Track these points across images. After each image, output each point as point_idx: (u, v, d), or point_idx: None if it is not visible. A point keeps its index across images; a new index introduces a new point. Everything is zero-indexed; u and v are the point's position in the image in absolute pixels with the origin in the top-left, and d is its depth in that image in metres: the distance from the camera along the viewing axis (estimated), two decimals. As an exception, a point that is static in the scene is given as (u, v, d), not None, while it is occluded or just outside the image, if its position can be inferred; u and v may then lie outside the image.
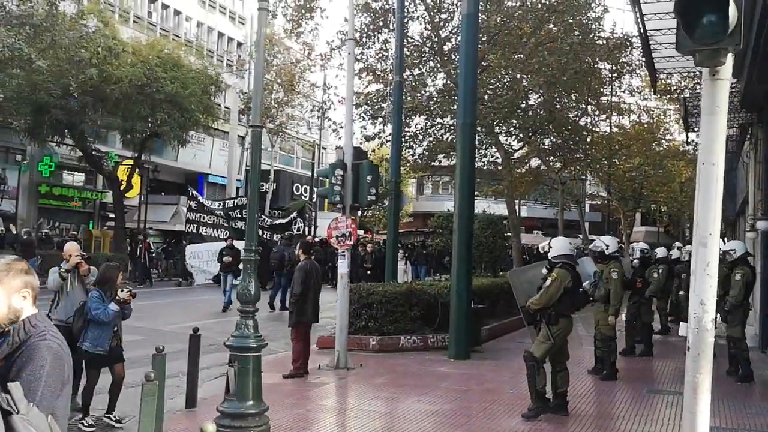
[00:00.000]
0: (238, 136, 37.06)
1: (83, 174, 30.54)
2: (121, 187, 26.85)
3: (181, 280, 25.48)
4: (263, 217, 25.13)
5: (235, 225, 24.06)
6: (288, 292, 17.00)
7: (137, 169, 27.50)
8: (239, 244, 18.36)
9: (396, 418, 7.40)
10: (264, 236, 22.16)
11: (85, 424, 6.64)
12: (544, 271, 7.56)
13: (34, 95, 21.37)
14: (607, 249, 9.72)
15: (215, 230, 23.59)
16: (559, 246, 7.56)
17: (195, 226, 23.71)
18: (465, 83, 11.40)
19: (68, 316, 7.11)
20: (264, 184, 37.70)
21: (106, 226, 30.52)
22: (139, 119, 24.63)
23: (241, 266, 17.25)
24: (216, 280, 19.69)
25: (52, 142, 26.10)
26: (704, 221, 3.59)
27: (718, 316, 9.32)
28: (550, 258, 7.55)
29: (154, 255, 25.28)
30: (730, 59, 3.57)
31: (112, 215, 28.98)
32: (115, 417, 6.92)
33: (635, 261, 11.61)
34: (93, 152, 26.10)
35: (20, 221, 27.16)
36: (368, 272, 18.05)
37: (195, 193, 24.74)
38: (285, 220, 25.10)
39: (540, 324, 7.23)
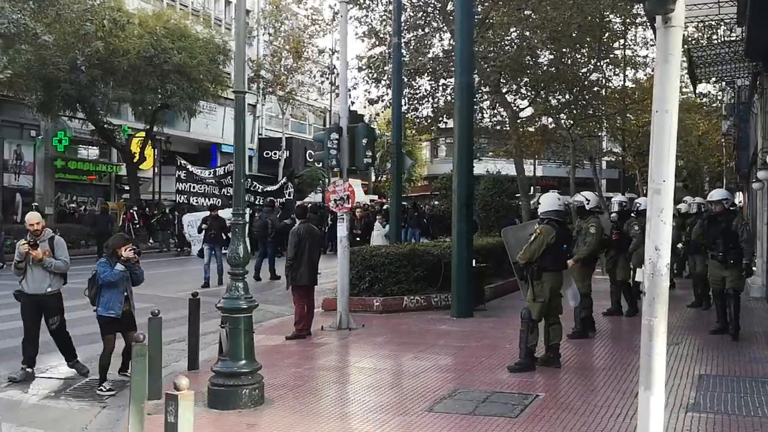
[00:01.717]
0: (249, 104, 37.05)
1: (97, 148, 30.89)
2: (134, 160, 27.16)
3: (178, 249, 24.62)
4: (255, 183, 24.61)
5: (228, 192, 23.36)
6: (271, 259, 16.51)
7: (150, 141, 27.75)
8: (225, 213, 17.88)
9: (390, 373, 7.60)
10: (257, 201, 21.94)
11: (105, 389, 6.92)
12: (535, 227, 7.63)
13: (43, 70, 21.58)
14: (587, 204, 9.66)
15: (206, 199, 23.06)
16: (547, 202, 7.62)
17: (186, 196, 23.21)
18: (462, 41, 11.36)
19: (32, 290, 7.41)
20: (276, 152, 37.90)
21: (122, 198, 30.96)
22: (149, 91, 24.85)
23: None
24: (201, 254, 17.46)
25: (65, 117, 26.41)
26: (658, 168, 3.62)
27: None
28: (539, 214, 7.63)
29: (138, 226, 23.93)
30: (681, 5, 3.55)
31: (127, 187, 29.37)
32: (129, 375, 7.24)
33: (613, 215, 11.33)
34: (105, 125, 26.40)
35: (38, 196, 27.67)
36: (357, 238, 17.42)
37: (183, 162, 24.22)
38: (276, 186, 24.84)
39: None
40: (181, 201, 23.78)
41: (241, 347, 6.16)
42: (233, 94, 6.38)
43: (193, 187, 23.37)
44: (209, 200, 22.96)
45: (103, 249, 20.75)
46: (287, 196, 24.41)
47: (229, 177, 23.61)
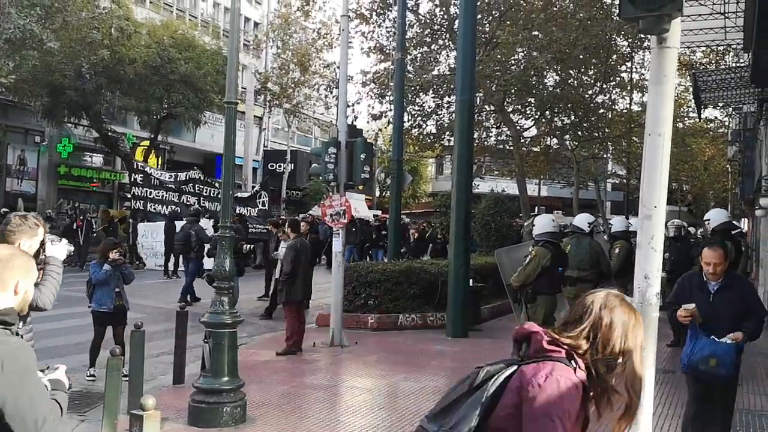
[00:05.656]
0: (255, 116, 37.10)
1: (102, 155, 30.88)
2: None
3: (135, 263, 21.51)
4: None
5: (187, 201, 21.60)
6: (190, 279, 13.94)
7: (154, 150, 27.72)
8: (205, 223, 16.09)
9: (378, 394, 7.43)
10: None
11: (88, 374, 7.59)
12: (530, 248, 7.50)
13: (49, 77, 21.59)
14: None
15: (164, 206, 21.33)
16: (541, 224, 7.50)
17: (142, 202, 21.51)
18: (463, 59, 11.26)
19: None
20: (281, 164, 37.86)
21: (124, 206, 30.87)
22: (154, 100, 24.82)
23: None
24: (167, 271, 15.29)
25: (70, 123, 26.40)
26: (649, 193, 3.50)
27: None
28: (533, 236, 7.49)
29: (96, 234, 21.04)
30: (677, 26, 3.45)
31: (129, 195, 29.27)
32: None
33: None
34: (109, 133, 26.36)
35: (40, 202, 27.64)
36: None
37: (141, 164, 22.62)
38: (248, 193, 23.23)
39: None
40: (137, 207, 21.81)
41: (224, 363, 6.02)
42: (225, 105, 6.29)
43: (150, 193, 21.38)
44: (167, 208, 21.06)
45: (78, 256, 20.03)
46: (260, 206, 23.01)
47: (191, 184, 22.05)
